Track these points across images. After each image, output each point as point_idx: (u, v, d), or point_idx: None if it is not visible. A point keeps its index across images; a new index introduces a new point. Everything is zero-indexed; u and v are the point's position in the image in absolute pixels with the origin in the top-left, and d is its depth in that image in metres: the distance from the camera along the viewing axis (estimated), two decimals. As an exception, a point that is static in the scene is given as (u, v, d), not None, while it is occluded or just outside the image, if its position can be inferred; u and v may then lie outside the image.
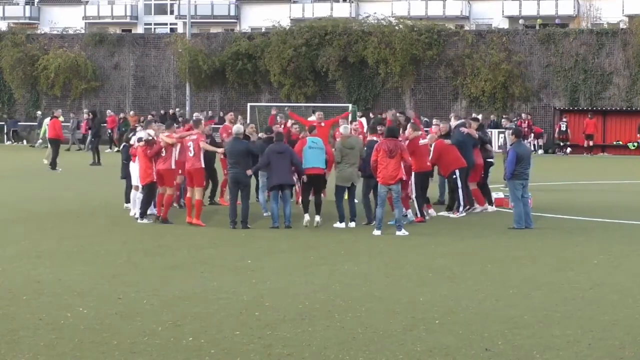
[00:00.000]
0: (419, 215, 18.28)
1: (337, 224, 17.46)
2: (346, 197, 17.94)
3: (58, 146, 32.34)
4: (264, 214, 18.60)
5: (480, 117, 40.99)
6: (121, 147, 21.37)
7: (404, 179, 17.13)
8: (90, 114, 41.43)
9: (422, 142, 18.50)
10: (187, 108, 53.14)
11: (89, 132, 41.04)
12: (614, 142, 45.38)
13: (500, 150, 26.67)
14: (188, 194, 18.18)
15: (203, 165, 17.88)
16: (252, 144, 18.18)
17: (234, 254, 14.45)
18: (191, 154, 17.73)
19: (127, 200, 19.70)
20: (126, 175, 19.71)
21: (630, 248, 15.26)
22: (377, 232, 16.42)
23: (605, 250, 14.96)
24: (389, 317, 9.87)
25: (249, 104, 49.15)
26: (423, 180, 18.36)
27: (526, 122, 45.20)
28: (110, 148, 45.15)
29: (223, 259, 13.94)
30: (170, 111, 50.88)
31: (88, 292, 11.15)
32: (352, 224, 17.48)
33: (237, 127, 17.90)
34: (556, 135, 45.97)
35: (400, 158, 16.47)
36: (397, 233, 16.29)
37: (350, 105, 48.30)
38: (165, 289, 11.42)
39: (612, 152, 44.98)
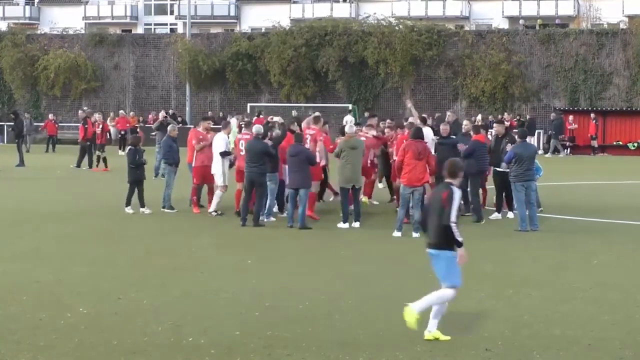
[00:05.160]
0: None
1: (341, 224, 17.42)
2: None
3: (84, 148, 32.28)
4: (272, 219, 18.51)
5: (479, 118, 40.99)
6: (127, 150, 20.88)
7: (430, 182, 17.03)
8: (12, 114, 40.74)
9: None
10: (187, 108, 53.14)
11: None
12: (614, 142, 45.29)
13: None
14: (238, 187, 18.57)
15: None
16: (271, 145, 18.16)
17: (234, 254, 14.44)
18: (242, 153, 18.10)
19: (128, 204, 19.31)
20: (134, 179, 19.19)
21: (630, 248, 15.26)
22: (397, 234, 16.25)
23: (605, 250, 14.96)
24: (389, 317, 9.87)
25: (249, 104, 49.16)
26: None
27: (509, 122, 44.92)
28: (122, 149, 44.81)
29: (223, 260, 13.93)
30: (170, 111, 50.68)
31: (88, 292, 11.15)
32: (357, 224, 17.42)
33: (257, 127, 17.88)
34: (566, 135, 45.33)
35: (426, 161, 16.36)
36: (414, 235, 15.99)
37: (350, 105, 48.41)
38: (165, 289, 11.43)
39: (612, 153, 44.90)
